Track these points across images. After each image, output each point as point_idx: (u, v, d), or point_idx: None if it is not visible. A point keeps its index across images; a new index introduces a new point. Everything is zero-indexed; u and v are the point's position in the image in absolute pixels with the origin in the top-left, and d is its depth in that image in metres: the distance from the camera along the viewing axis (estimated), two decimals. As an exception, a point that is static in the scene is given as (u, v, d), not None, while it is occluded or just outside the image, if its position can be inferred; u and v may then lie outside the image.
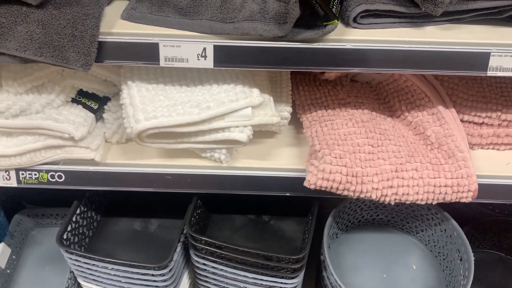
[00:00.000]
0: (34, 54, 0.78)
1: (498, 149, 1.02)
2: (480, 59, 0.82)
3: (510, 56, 0.81)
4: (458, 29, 0.84)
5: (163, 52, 0.82)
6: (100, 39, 0.80)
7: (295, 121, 1.05)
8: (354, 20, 0.82)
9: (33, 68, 0.91)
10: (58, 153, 0.97)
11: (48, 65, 0.90)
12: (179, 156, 1.00)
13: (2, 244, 1.16)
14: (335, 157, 0.89)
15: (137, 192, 1.03)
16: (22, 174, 0.99)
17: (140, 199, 1.24)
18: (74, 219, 1.09)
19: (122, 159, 1.00)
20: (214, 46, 0.82)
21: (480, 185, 0.93)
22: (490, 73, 0.83)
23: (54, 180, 0.99)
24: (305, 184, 0.91)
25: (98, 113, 0.99)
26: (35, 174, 0.99)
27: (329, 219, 1.10)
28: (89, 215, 1.16)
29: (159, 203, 1.24)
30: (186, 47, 0.82)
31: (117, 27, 0.82)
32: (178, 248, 1.05)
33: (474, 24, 0.85)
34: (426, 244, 1.18)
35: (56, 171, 0.99)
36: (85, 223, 1.14)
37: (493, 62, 0.82)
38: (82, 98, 0.98)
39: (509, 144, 1.01)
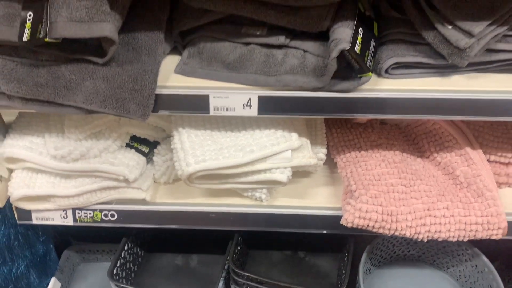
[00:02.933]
0: (99, 106, 0.88)
1: (525, 187, 1.07)
2: (506, 106, 0.88)
3: (534, 102, 0.88)
4: (483, 78, 0.91)
5: (213, 103, 0.91)
6: (157, 92, 0.89)
7: (328, 161, 1.11)
8: (386, 71, 0.90)
9: (93, 117, 1.01)
10: (112, 193, 1.05)
11: (106, 114, 0.99)
12: (222, 195, 1.08)
13: (54, 278, 1.24)
14: (371, 197, 0.96)
15: (178, 229, 1.10)
16: (78, 213, 1.07)
17: (180, 235, 1.31)
18: (122, 255, 1.17)
19: (170, 198, 1.08)
20: (259, 96, 0.90)
21: (509, 222, 0.98)
22: (516, 118, 0.89)
23: (107, 218, 1.08)
24: (343, 222, 0.97)
25: (148, 156, 1.07)
26: (90, 213, 1.07)
27: (364, 255, 1.15)
28: (135, 251, 1.23)
29: (198, 239, 1.31)
30: (234, 97, 0.90)
31: (171, 80, 0.92)
32: (220, 283, 1.11)
33: (499, 73, 0.92)
34: (457, 280, 1.22)
35: (109, 210, 1.07)
36: (131, 258, 1.21)
37: (518, 108, 0.88)
38: (135, 143, 1.07)
39: (535, 182, 1.06)
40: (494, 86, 0.89)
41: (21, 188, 1.02)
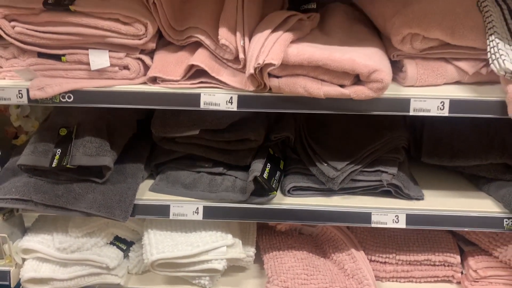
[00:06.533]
0: (95, 211, 1.31)
1: (399, 281, 1.46)
2: (364, 216, 1.33)
3: (383, 215, 1.33)
4: (352, 198, 1.37)
5: (172, 210, 1.35)
6: (135, 203, 1.34)
7: (260, 260, 1.51)
8: (288, 191, 1.37)
9: (89, 220, 1.43)
10: (96, 278, 1.42)
11: (99, 218, 1.42)
12: (177, 283, 1.45)
13: None
14: (281, 281, 1.34)
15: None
16: (69, 294, 1.43)
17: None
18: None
19: (138, 285, 1.45)
20: (204, 206, 1.35)
21: (384, 305, 1.36)
22: (373, 225, 1.33)
23: (90, 299, 1.43)
24: (262, 301, 1.35)
25: (125, 252, 1.47)
26: (77, 295, 1.43)
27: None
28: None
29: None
30: (186, 206, 1.35)
31: (146, 195, 1.37)
32: None
33: (363, 196, 1.38)
34: None
35: (92, 293, 1.43)
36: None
37: (374, 218, 1.33)
38: (116, 241, 1.47)
39: (406, 277, 1.45)
40: (359, 203, 1.35)
41: (30, 272, 1.40)
